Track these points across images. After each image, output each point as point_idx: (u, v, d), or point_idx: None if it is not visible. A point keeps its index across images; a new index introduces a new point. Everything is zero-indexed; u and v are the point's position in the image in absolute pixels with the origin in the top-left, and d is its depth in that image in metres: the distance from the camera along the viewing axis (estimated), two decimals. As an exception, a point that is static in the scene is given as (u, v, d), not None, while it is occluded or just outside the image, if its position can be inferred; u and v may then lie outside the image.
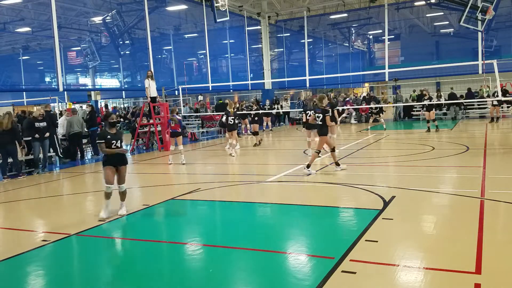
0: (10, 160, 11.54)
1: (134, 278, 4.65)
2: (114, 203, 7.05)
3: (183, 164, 12.12)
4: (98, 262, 5.19)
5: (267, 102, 23.92)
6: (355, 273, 4.30)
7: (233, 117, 13.78)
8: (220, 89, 31.10)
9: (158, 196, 8.51)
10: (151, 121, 16.73)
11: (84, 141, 15.52)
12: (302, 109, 14.52)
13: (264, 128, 22.89)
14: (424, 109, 18.84)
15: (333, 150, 9.96)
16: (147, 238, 6.00)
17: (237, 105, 17.18)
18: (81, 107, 27.65)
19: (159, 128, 16.61)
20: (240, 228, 6.27)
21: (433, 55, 31.10)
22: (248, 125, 19.91)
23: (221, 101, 24.30)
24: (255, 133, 16.31)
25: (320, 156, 10.40)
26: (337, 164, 9.86)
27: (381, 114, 20.33)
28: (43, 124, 12.10)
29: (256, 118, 17.59)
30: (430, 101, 17.90)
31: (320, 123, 9.79)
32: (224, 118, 14.26)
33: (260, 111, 19.80)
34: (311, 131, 12.44)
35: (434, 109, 18.12)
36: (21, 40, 28.00)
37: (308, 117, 12.30)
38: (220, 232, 6.41)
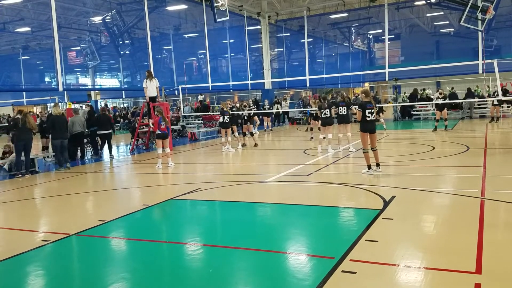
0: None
1: (134, 278, 4.65)
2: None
3: (170, 166, 11.87)
4: (98, 262, 5.19)
5: (266, 102, 23.90)
6: (355, 273, 4.30)
7: (229, 116, 14.67)
8: (220, 89, 31.08)
9: (158, 196, 8.51)
10: (151, 120, 16.70)
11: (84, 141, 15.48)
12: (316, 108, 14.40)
13: (265, 128, 22.90)
14: (435, 107, 18.73)
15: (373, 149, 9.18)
16: (147, 238, 6.00)
17: (231, 105, 17.11)
18: (81, 106, 27.65)
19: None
20: (240, 228, 6.27)
21: (433, 54, 31.00)
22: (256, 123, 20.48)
23: (205, 102, 25.14)
24: (249, 134, 16.10)
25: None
26: (377, 165, 9.17)
27: (381, 114, 20.30)
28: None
29: (248, 119, 17.28)
30: (444, 100, 17.95)
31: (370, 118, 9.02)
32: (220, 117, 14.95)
33: (252, 112, 19.60)
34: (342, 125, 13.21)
35: (446, 108, 18.09)
36: (21, 40, 27.95)
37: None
38: (220, 232, 6.41)
